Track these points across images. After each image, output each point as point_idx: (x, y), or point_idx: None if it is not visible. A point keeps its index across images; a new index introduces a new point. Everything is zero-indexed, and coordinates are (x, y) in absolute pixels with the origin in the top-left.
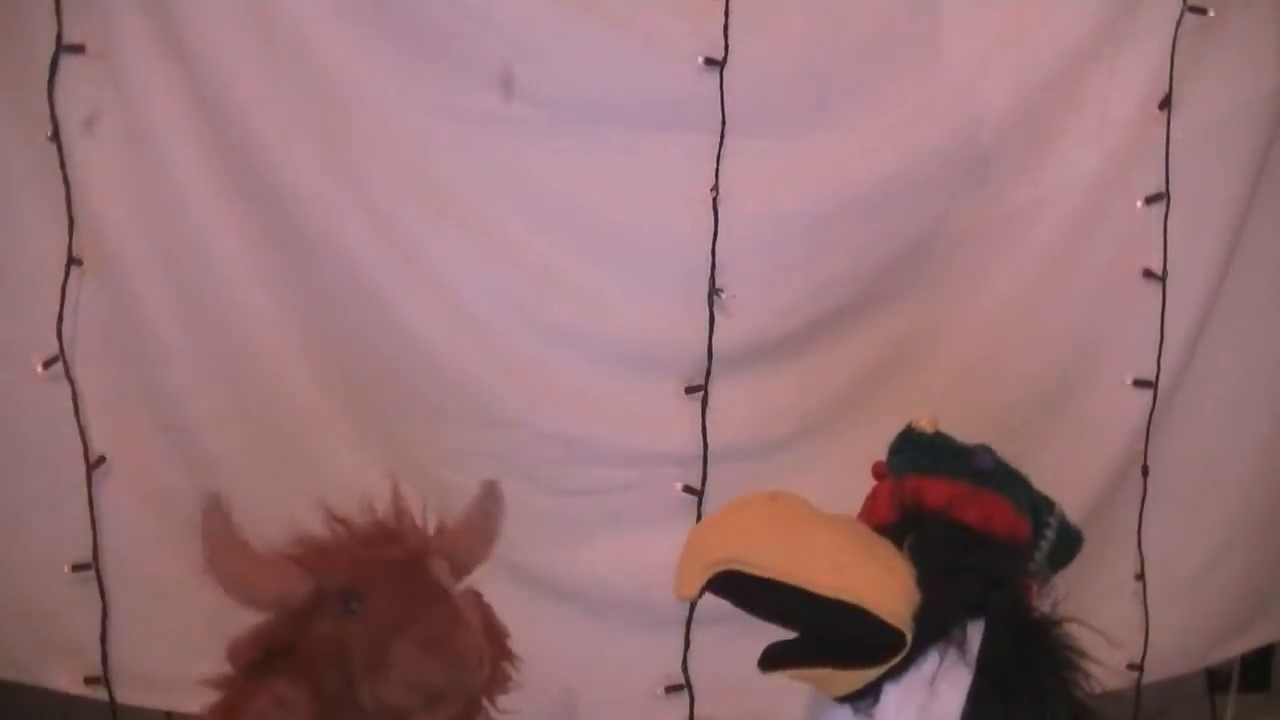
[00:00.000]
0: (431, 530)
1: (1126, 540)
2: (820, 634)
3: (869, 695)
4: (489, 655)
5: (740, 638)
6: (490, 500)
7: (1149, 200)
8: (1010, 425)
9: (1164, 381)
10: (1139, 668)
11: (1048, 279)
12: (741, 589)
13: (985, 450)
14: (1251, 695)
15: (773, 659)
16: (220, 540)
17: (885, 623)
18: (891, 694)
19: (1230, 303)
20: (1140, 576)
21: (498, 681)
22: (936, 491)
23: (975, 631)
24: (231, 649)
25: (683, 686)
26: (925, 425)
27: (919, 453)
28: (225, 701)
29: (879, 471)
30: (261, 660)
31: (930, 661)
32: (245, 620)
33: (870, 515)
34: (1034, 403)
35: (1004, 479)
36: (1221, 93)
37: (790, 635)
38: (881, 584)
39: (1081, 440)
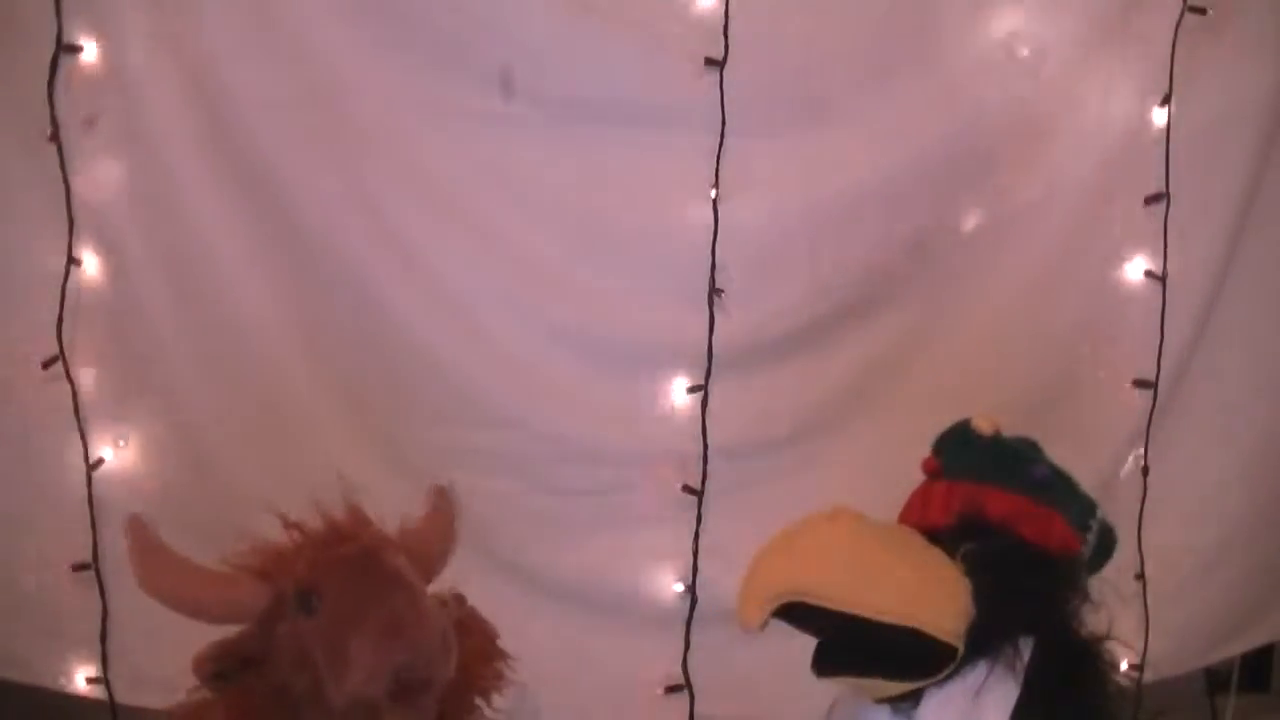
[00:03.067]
0: (387, 527)
1: (1126, 540)
2: (876, 648)
3: (910, 699)
4: (456, 641)
5: (740, 638)
6: (443, 501)
7: (1149, 200)
8: (1010, 425)
9: (1164, 381)
10: (1139, 668)
11: (1048, 279)
12: (803, 615)
13: (1032, 447)
14: (1251, 695)
15: (829, 667)
16: (150, 559)
17: (942, 641)
18: (933, 699)
19: (1230, 303)
20: (1140, 576)
21: (492, 681)
22: (998, 504)
23: (1024, 646)
24: (194, 662)
25: (683, 686)
26: (985, 426)
27: (978, 457)
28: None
29: (930, 468)
30: (231, 671)
31: (977, 672)
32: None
33: (921, 516)
34: (1034, 403)
35: (1060, 489)
36: (1221, 93)
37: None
38: (941, 607)
39: (1081, 440)
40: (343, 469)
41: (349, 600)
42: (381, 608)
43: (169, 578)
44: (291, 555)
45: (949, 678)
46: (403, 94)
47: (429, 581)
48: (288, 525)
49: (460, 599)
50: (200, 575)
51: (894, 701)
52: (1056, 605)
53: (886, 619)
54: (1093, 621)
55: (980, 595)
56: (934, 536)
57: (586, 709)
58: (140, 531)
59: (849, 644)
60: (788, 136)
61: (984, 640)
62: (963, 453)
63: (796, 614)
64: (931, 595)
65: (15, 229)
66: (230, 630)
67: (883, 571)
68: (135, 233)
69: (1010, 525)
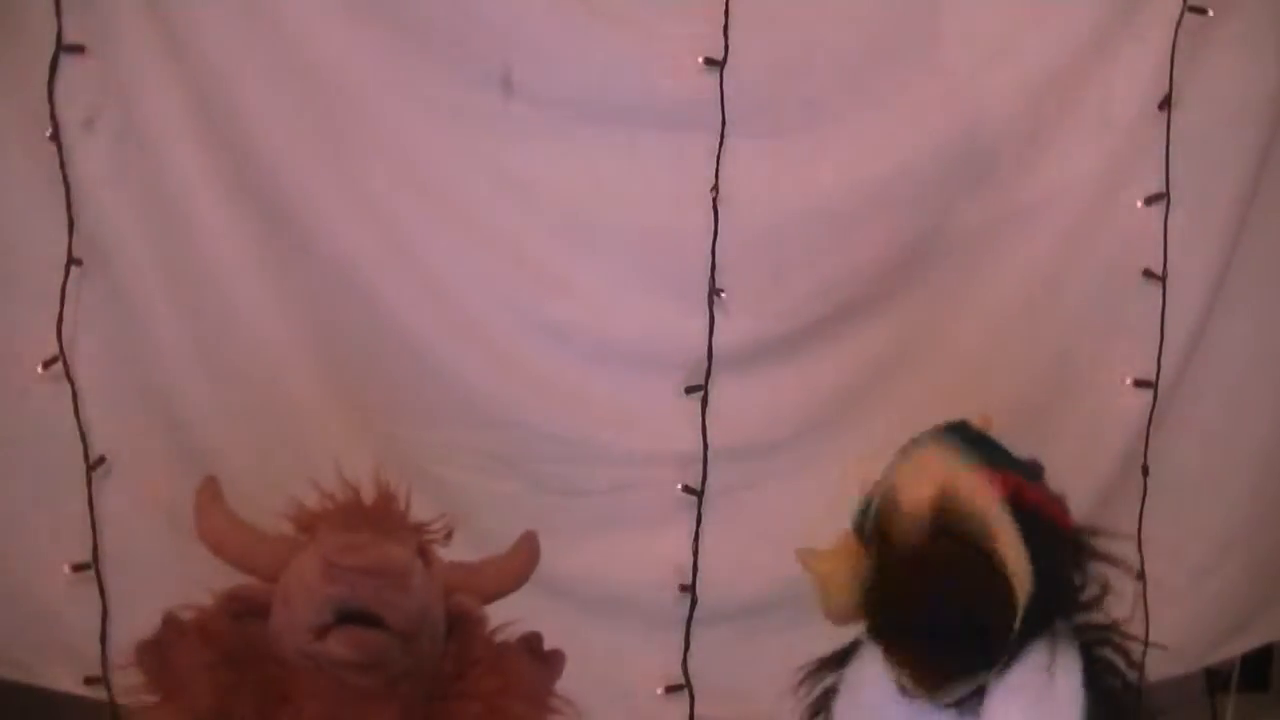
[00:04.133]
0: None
1: (1126, 540)
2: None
3: (978, 694)
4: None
5: (740, 638)
6: (527, 547)
7: (1149, 200)
8: (1010, 425)
9: (1164, 381)
10: (1139, 667)
11: (1048, 278)
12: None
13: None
14: (1251, 695)
15: (945, 679)
16: (211, 512)
17: (1011, 621)
18: (999, 689)
19: (1230, 303)
20: (1140, 576)
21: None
22: (1034, 493)
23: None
24: (223, 595)
25: (683, 686)
26: (981, 423)
27: (985, 447)
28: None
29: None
30: (246, 614)
31: (1038, 653)
32: None
33: None
34: (1034, 403)
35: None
36: (1221, 93)
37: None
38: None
39: (1081, 440)
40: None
41: (326, 537)
42: (337, 537)
43: (223, 531)
44: (314, 513)
45: (1008, 664)
46: (403, 94)
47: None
48: (323, 493)
49: (532, 639)
50: (249, 533)
51: (959, 704)
52: (1083, 584)
53: (1012, 574)
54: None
55: (1038, 574)
56: None
57: (586, 709)
58: (209, 489)
59: (946, 641)
60: (788, 136)
61: (1037, 621)
62: (969, 445)
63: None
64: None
65: (15, 229)
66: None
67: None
68: (135, 233)
69: (1045, 510)
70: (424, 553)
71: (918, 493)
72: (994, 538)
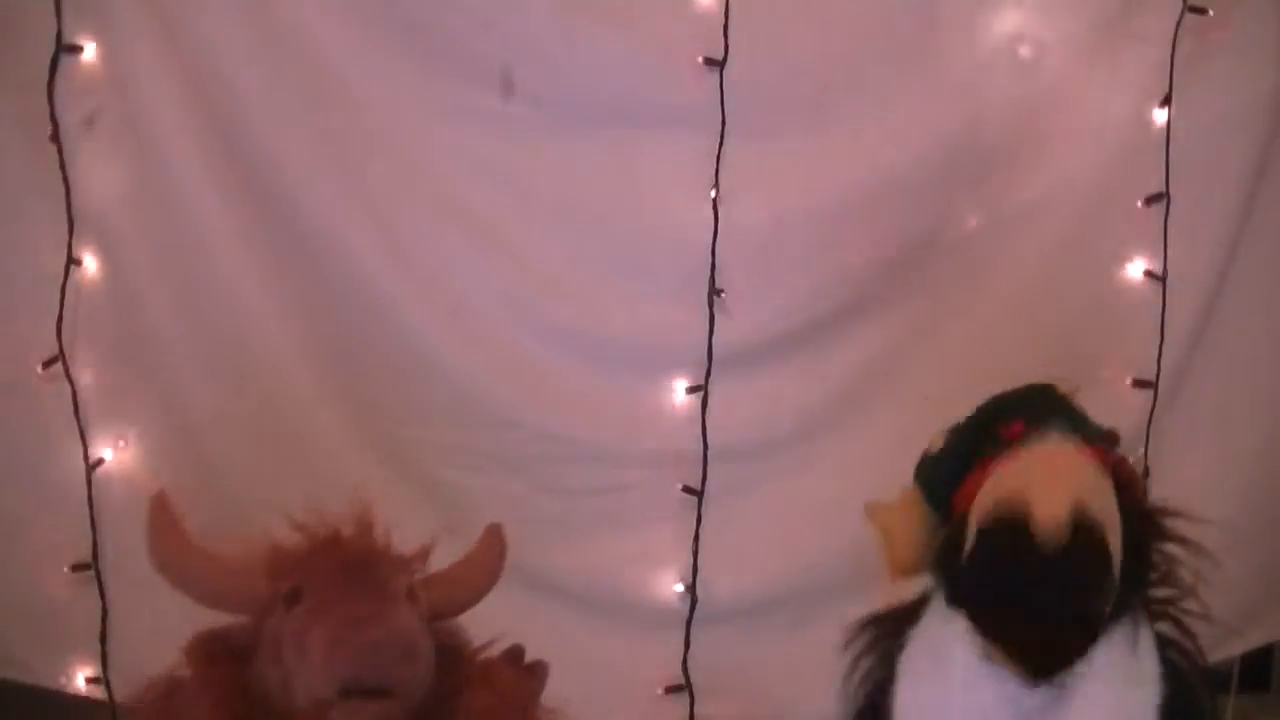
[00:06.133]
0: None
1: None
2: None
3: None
4: (431, 658)
5: (740, 638)
6: (494, 539)
7: (1149, 200)
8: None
9: (1164, 381)
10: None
11: (1048, 279)
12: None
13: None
14: (1251, 695)
15: (1059, 667)
16: (166, 539)
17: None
18: (1089, 671)
19: (1230, 303)
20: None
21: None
22: (1125, 471)
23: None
24: (188, 643)
25: (683, 686)
26: (1067, 388)
27: (1074, 419)
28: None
29: (1018, 432)
30: (220, 656)
31: (1124, 628)
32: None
33: None
34: None
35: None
36: (1221, 93)
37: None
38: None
39: None
40: (342, 469)
41: (323, 600)
42: (343, 609)
43: (180, 559)
44: (293, 555)
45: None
46: (403, 94)
47: (457, 613)
48: (295, 527)
49: (515, 652)
50: (210, 562)
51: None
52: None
53: (1115, 559)
54: None
55: (1131, 553)
56: None
57: (586, 709)
58: (161, 510)
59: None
60: (788, 136)
61: (1124, 600)
62: (1055, 413)
63: (1085, 536)
64: (1118, 530)
65: (15, 229)
66: (224, 620)
67: (1113, 508)
68: (135, 233)
69: (1131, 483)
70: (410, 591)
71: (1051, 508)
72: (1112, 531)
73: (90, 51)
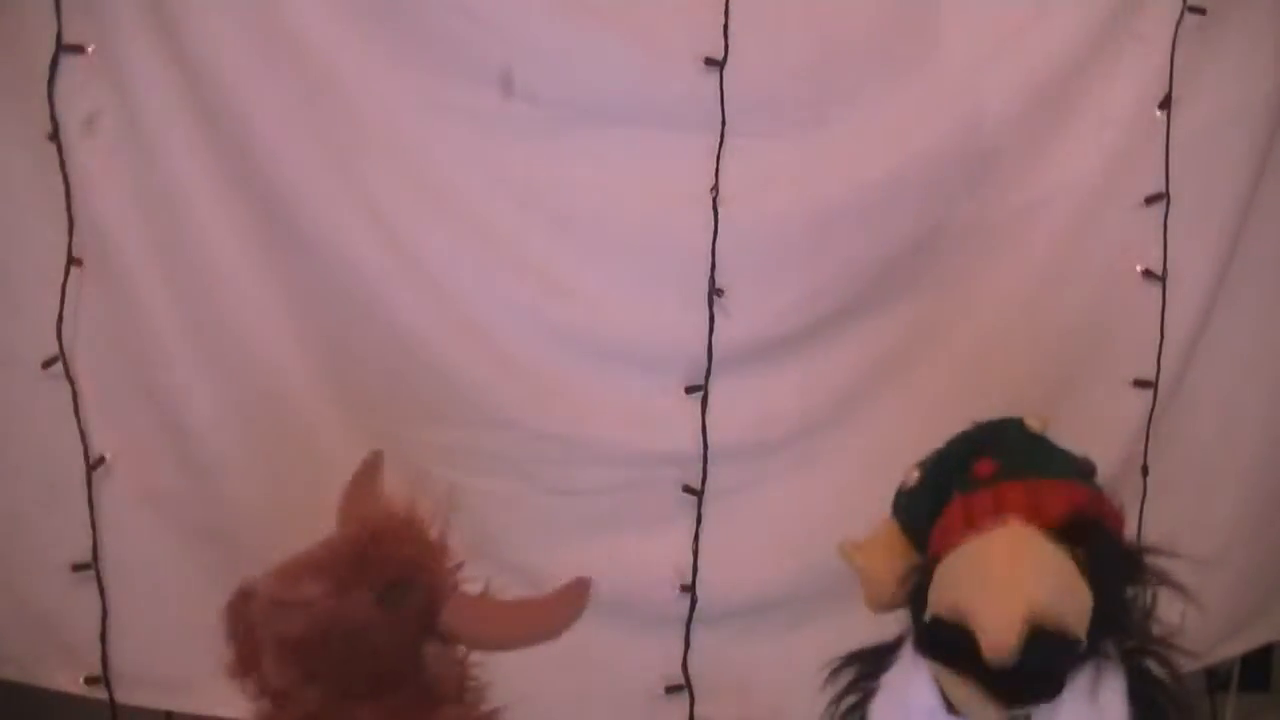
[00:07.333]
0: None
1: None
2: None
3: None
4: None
5: (740, 638)
6: (577, 592)
7: (1149, 200)
8: None
9: (1164, 381)
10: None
11: (1048, 279)
12: (1045, 646)
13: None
14: (1251, 695)
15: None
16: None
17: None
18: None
19: (1230, 303)
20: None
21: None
22: (1099, 507)
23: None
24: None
25: (683, 686)
26: (1037, 424)
27: (1041, 454)
28: None
29: (988, 471)
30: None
31: (1085, 675)
32: None
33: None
34: (1034, 403)
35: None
36: (1221, 93)
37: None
38: (1084, 617)
39: (1081, 440)
40: (342, 469)
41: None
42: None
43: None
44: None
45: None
46: (403, 94)
47: (497, 649)
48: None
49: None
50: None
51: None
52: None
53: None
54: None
55: (1101, 597)
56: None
57: (586, 709)
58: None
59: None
60: (788, 136)
61: (1093, 643)
62: (1024, 450)
63: (1039, 645)
64: (1086, 607)
65: (15, 229)
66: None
67: (1078, 587)
68: (135, 232)
69: (1107, 521)
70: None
71: (998, 633)
72: (1076, 615)
73: (90, 51)
